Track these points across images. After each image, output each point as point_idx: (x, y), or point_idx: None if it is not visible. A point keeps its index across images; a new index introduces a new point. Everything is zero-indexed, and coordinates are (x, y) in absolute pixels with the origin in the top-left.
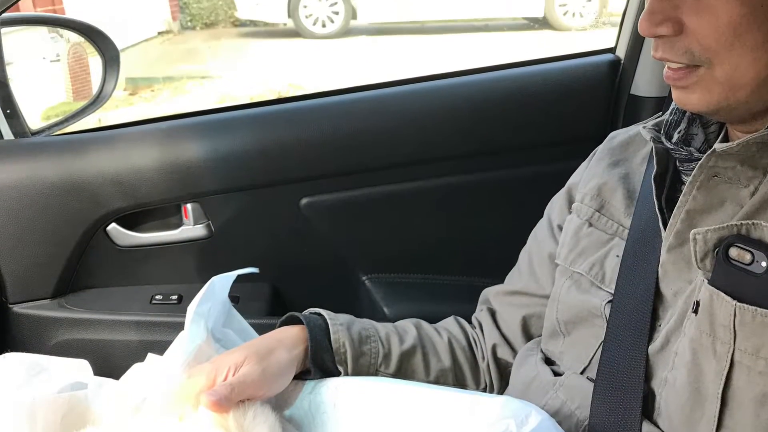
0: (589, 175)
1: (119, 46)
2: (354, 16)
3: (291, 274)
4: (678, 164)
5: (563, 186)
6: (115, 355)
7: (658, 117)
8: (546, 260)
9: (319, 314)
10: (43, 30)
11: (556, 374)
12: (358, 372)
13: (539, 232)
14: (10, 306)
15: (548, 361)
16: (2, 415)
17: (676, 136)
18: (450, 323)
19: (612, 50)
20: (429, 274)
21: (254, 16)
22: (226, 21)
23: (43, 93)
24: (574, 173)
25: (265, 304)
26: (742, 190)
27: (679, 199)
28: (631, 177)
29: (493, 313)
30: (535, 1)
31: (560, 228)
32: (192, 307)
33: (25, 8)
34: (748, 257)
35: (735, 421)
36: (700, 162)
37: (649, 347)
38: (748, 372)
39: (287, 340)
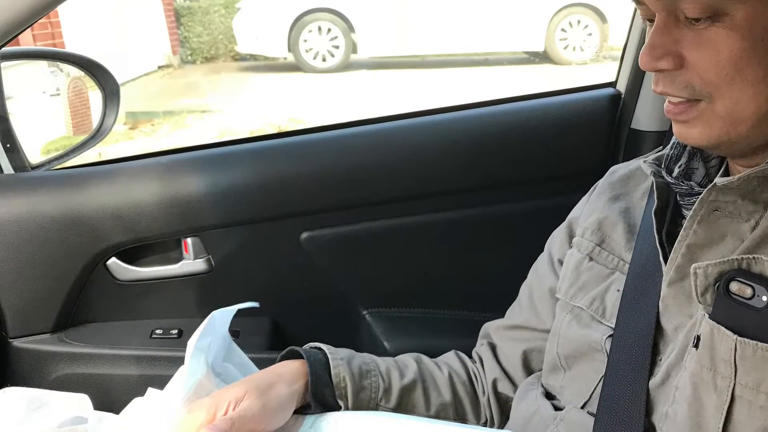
0: (589, 210)
1: (119, 80)
2: (354, 51)
3: (291, 308)
4: (679, 198)
5: (564, 220)
6: (115, 389)
7: (659, 151)
8: (546, 294)
9: (320, 349)
10: (43, 64)
11: (557, 409)
12: (358, 406)
13: (540, 266)
14: (10, 340)
15: (549, 396)
16: None
17: (676, 171)
18: (450, 358)
19: (613, 84)
20: (429, 308)
21: (254, 51)
22: (226, 55)
23: (43, 127)
24: (575, 207)
25: (265, 338)
26: (742, 224)
27: (680, 233)
28: (631, 211)
29: (493, 348)
30: (536, 35)
31: (561, 262)
32: (192, 342)
33: (26, 42)
34: (748, 291)
35: None
36: (700, 196)
37: (650, 382)
38: (749, 406)
39: (287, 375)
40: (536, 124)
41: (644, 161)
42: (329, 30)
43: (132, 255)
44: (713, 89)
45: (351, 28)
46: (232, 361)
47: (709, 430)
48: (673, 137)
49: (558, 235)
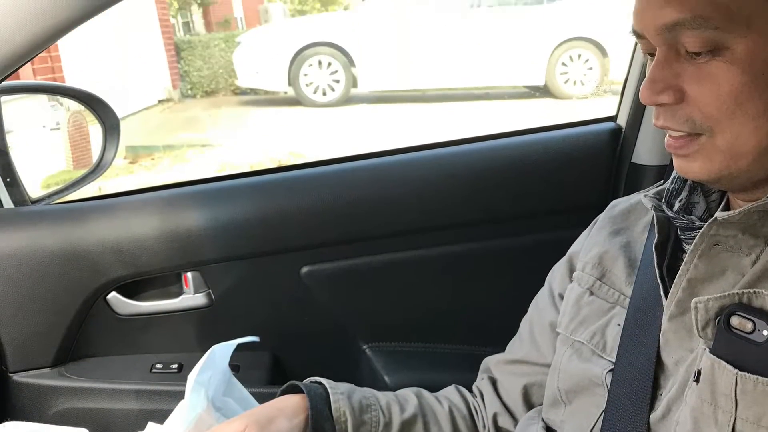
0: (590, 244)
1: (119, 114)
2: (354, 85)
3: (291, 342)
4: (679, 233)
5: (564, 254)
6: (115, 424)
7: (660, 185)
8: (547, 329)
9: (320, 383)
10: (43, 98)
11: None
12: None
13: (540, 300)
14: (10, 375)
15: (549, 430)
16: None
17: (677, 205)
18: (451, 392)
19: (613, 118)
20: (430, 342)
21: (254, 85)
22: (226, 89)
23: (43, 161)
24: (575, 242)
25: (265, 372)
26: (743, 258)
27: (681, 267)
28: (632, 246)
29: (494, 382)
30: (536, 69)
31: (561, 297)
32: (192, 376)
33: (25, 76)
34: (749, 326)
35: None
36: (701, 230)
37: (651, 416)
38: None
39: (288, 409)
40: (537, 158)
41: (645, 195)
42: (329, 64)
43: (132, 289)
44: (714, 123)
45: (351, 62)
46: (232, 395)
47: None
48: (674, 171)
49: (559, 270)
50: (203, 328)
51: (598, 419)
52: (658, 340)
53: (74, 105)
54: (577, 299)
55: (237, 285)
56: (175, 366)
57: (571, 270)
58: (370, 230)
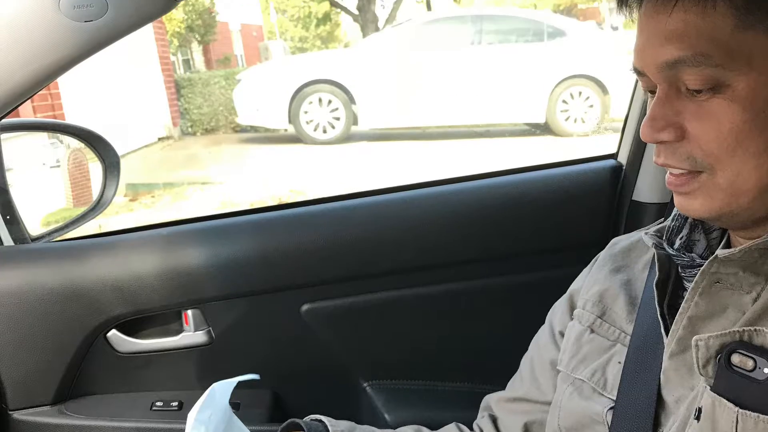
0: (590, 282)
1: (119, 151)
2: (355, 122)
3: (292, 380)
4: (680, 270)
5: (565, 292)
6: None
7: (660, 223)
8: (548, 367)
9: (320, 421)
10: (43, 135)
11: None
12: None
13: (541, 338)
14: (10, 412)
15: None
16: None
17: (678, 243)
18: (451, 430)
19: (614, 156)
20: (430, 380)
21: (255, 122)
22: (226, 127)
23: (43, 199)
24: (576, 279)
25: (266, 410)
26: (744, 296)
27: (681, 305)
28: (632, 283)
29: (494, 420)
30: (537, 107)
31: (562, 334)
32: (192, 414)
33: (26, 113)
34: (750, 363)
35: None
36: (702, 268)
37: None
38: None
39: None
40: (537, 195)
41: (646, 233)
42: (330, 102)
43: (132, 327)
44: (714, 161)
45: (352, 100)
46: None
47: None
48: (675, 209)
49: (559, 307)
50: (203, 366)
51: None
52: (659, 378)
53: (74, 142)
54: (577, 337)
55: (237, 323)
56: (175, 404)
57: (572, 308)
58: (371, 268)
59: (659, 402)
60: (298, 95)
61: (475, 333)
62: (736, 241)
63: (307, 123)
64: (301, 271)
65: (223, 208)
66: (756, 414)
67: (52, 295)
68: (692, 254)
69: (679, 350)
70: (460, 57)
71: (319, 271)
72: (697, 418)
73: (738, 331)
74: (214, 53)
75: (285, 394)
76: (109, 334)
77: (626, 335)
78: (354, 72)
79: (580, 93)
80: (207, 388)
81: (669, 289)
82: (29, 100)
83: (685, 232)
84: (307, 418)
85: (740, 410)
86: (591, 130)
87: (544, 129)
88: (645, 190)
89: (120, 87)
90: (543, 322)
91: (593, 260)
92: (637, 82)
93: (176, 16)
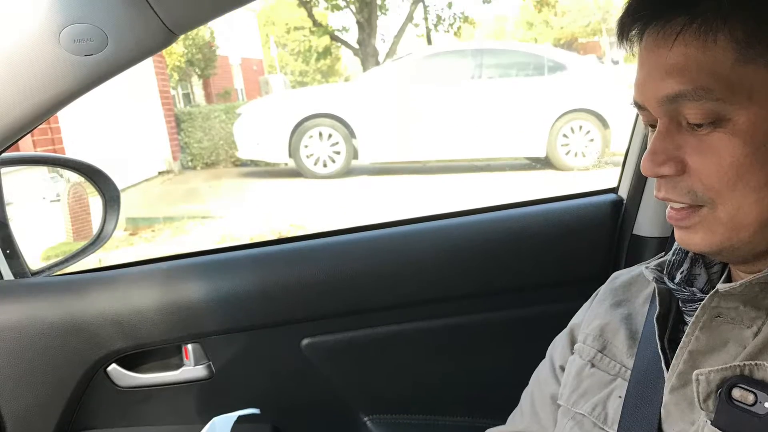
0: (591, 316)
1: (119, 185)
2: (355, 156)
3: (292, 414)
4: (681, 305)
5: (565, 326)
6: None
7: (661, 257)
8: (548, 401)
9: None
10: (43, 170)
11: None
12: None
13: (541, 372)
14: None
15: None
16: None
17: (678, 277)
18: None
19: (614, 190)
20: (431, 414)
21: (255, 156)
22: (226, 161)
23: (43, 233)
24: (577, 314)
25: None
26: (745, 330)
27: (682, 339)
28: (633, 317)
29: None
30: (538, 141)
31: (562, 369)
32: None
33: (25, 147)
34: (751, 398)
35: None
36: (702, 303)
37: None
38: None
39: None
40: (538, 229)
41: (646, 267)
42: (330, 135)
43: (132, 361)
44: (715, 195)
45: (352, 134)
46: None
47: None
48: (675, 243)
49: (560, 342)
50: (204, 400)
51: None
52: (660, 413)
53: (74, 177)
54: (578, 371)
55: (237, 357)
56: None
57: (572, 342)
58: (371, 302)
59: None
60: (298, 129)
61: (475, 367)
62: (736, 275)
63: (308, 157)
64: (302, 306)
65: (224, 242)
66: None
67: (52, 330)
68: (693, 288)
69: (679, 384)
70: (460, 91)
71: (319, 306)
72: None
73: (739, 365)
74: (215, 87)
75: (285, 428)
76: (110, 368)
77: (627, 369)
78: (354, 106)
79: (580, 127)
80: (207, 423)
81: (670, 324)
82: (29, 134)
83: (685, 266)
84: None
85: None
86: (591, 164)
87: (544, 163)
88: (646, 224)
89: (120, 121)
90: (543, 357)
91: (594, 294)
92: (637, 116)
93: (176, 50)
